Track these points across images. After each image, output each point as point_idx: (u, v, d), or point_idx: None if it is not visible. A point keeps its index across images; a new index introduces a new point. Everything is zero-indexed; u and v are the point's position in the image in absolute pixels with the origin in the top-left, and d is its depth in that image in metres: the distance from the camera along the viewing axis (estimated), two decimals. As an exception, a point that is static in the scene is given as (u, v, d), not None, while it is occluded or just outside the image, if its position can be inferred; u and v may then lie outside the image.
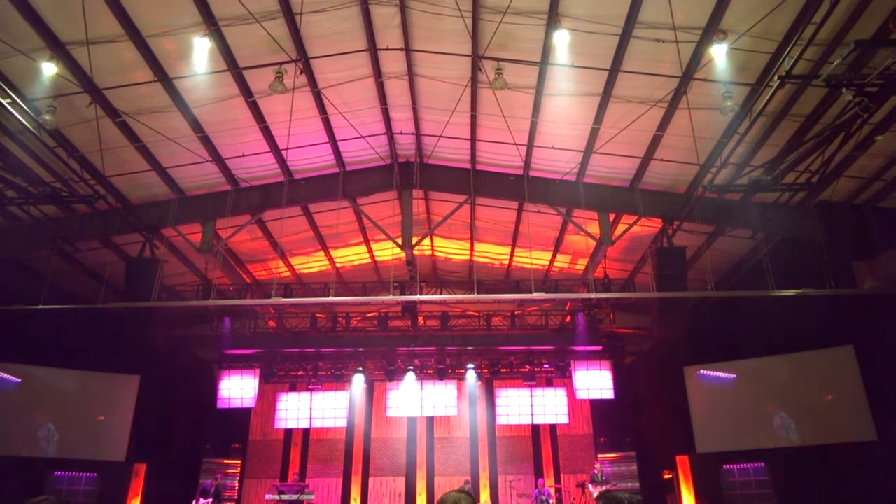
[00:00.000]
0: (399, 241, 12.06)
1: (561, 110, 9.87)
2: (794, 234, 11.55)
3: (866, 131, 9.09)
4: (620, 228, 12.37)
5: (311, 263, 15.64)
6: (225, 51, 8.99)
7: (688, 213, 11.27)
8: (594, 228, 11.97)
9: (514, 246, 14.83)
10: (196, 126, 10.31)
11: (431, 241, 15.13)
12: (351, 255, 15.70)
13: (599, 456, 16.62)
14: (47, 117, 8.86)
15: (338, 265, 15.74)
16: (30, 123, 8.80)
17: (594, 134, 10.39)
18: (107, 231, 12.22)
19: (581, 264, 15.17)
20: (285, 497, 15.44)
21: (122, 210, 11.58)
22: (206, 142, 10.73)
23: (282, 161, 11.61)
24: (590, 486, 15.28)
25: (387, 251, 14.91)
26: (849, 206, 11.30)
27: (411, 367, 17.67)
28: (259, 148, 11.14)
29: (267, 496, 15.81)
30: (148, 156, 10.85)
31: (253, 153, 11.26)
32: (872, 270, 11.15)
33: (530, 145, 11.06)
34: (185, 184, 11.87)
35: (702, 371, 15.00)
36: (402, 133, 11.52)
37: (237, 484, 17.10)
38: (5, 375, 14.18)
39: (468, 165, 12.06)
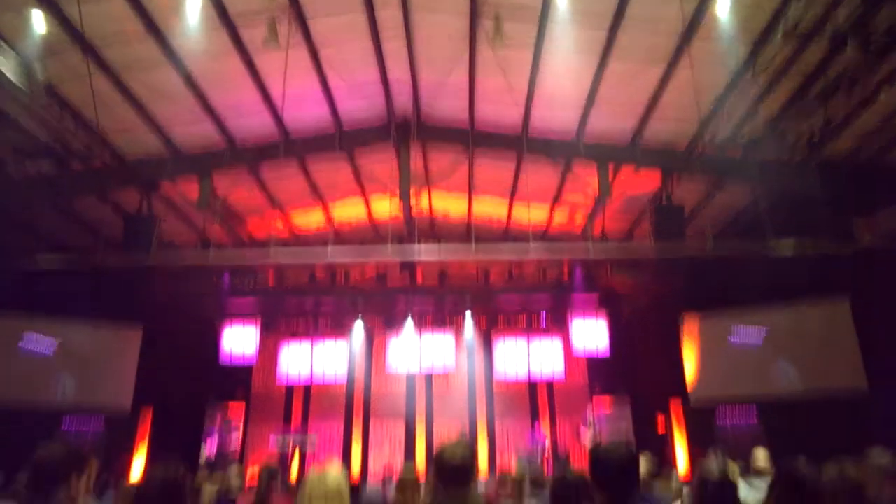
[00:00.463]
0: (397, 197, 12.03)
1: (561, 68, 9.62)
2: (794, 190, 11.51)
3: (870, 87, 8.98)
4: (619, 185, 12.29)
5: (309, 221, 15.62)
6: (218, 4, 8.76)
7: (687, 169, 11.23)
8: (593, 185, 11.92)
9: (511, 204, 14.78)
10: (190, 83, 10.12)
11: (429, 199, 15.07)
12: (348, 214, 15.66)
13: (593, 402, 17.03)
14: (38, 72, 8.72)
15: (336, 224, 15.72)
16: (20, 79, 8.65)
17: (594, 92, 10.20)
18: (103, 187, 12.19)
19: (579, 221, 15.16)
20: (289, 443, 15.95)
21: (118, 167, 11.51)
22: (201, 98, 10.54)
23: (278, 120, 11.43)
24: (582, 428, 15.80)
25: (384, 209, 14.86)
26: (850, 162, 11.22)
27: (410, 315, 17.89)
28: (254, 106, 10.92)
29: (271, 443, 16.31)
30: (142, 112, 10.68)
31: (248, 111, 11.08)
32: (871, 227, 11.19)
33: (529, 104, 10.86)
34: (180, 141, 11.73)
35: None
36: (399, 92, 11.31)
37: (241, 434, 17.60)
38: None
39: (466, 126, 11.87)
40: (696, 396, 15.17)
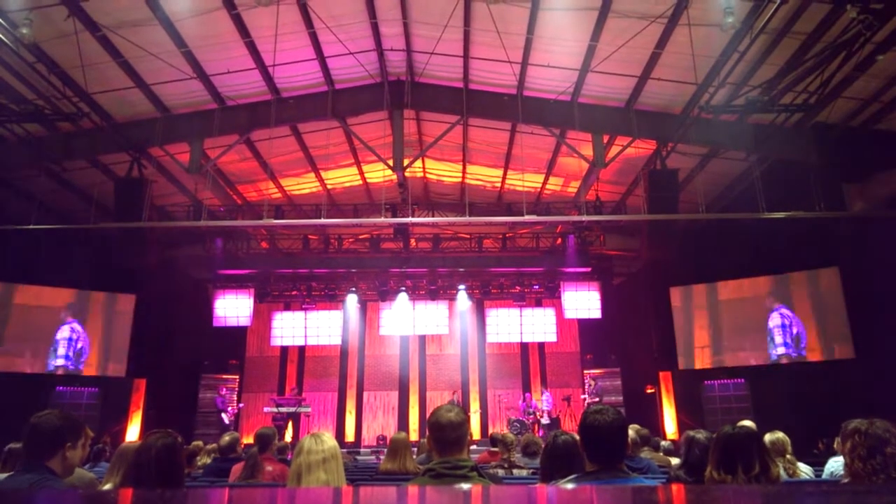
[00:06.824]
0: (390, 162, 11.92)
1: (557, 26, 9.45)
2: (788, 156, 11.46)
3: (868, 51, 8.89)
4: (614, 150, 12.22)
5: (302, 185, 15.50)
6: (205, -41, 8.56)
7: (682, 134, 11.14)
8: (587, 150, 11.84)
9: (506, 168, 14.68)
10: (178, 41, 9.91)
11: (423, 162, 14.96)
12: (342, 177, 15.54)
13: (586, 372, 17.19)
14: (24, 31, 8.50)
15: (329, 187, 15.61)
16: (6, 37, 8.47)
17: (591, 51, 10.03)
18: (93, 150, 12.02)
19: (573, 187, 15.10)
20: (283, 410, 16.01)
21: (108, 128, 11.34)
22: (190, 57, 10.34)
23: (268, 78, 11.25)
24: (582, 396, 16.19)
25: (378, 173, 14.74)
26: (844, 127, 11.17)
27: (404, 288, 17.90)
28: (244, 64, 10.75)
29: (265, 409, 16.38)
30: (131, 72, 10.50)
31: (238, 70, 10.87)
32: (863, 193, 11.18)
33: (525, 63, 10.69)
34: (170, 101, 11.56)
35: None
36: (392, 49, 11.12)
37: (236, 398, 17.69)
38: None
39: (461, 84, 11.70)
40: (685, 365, 15.32)
